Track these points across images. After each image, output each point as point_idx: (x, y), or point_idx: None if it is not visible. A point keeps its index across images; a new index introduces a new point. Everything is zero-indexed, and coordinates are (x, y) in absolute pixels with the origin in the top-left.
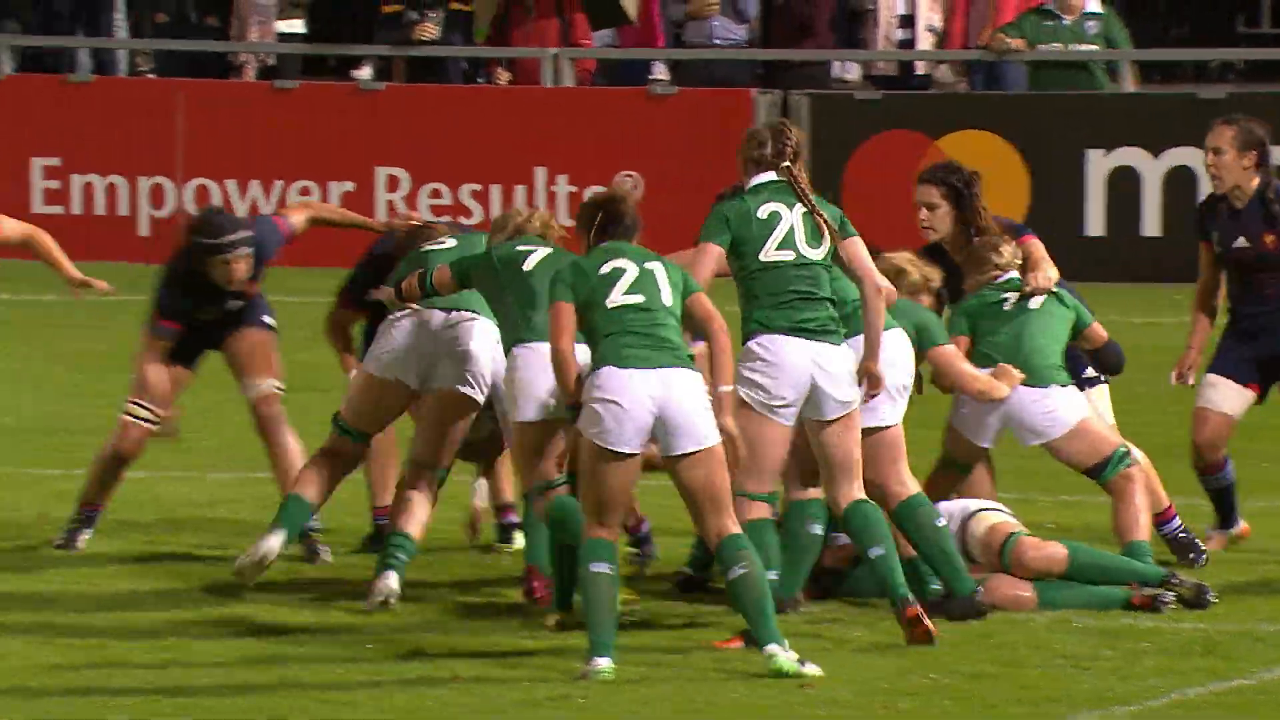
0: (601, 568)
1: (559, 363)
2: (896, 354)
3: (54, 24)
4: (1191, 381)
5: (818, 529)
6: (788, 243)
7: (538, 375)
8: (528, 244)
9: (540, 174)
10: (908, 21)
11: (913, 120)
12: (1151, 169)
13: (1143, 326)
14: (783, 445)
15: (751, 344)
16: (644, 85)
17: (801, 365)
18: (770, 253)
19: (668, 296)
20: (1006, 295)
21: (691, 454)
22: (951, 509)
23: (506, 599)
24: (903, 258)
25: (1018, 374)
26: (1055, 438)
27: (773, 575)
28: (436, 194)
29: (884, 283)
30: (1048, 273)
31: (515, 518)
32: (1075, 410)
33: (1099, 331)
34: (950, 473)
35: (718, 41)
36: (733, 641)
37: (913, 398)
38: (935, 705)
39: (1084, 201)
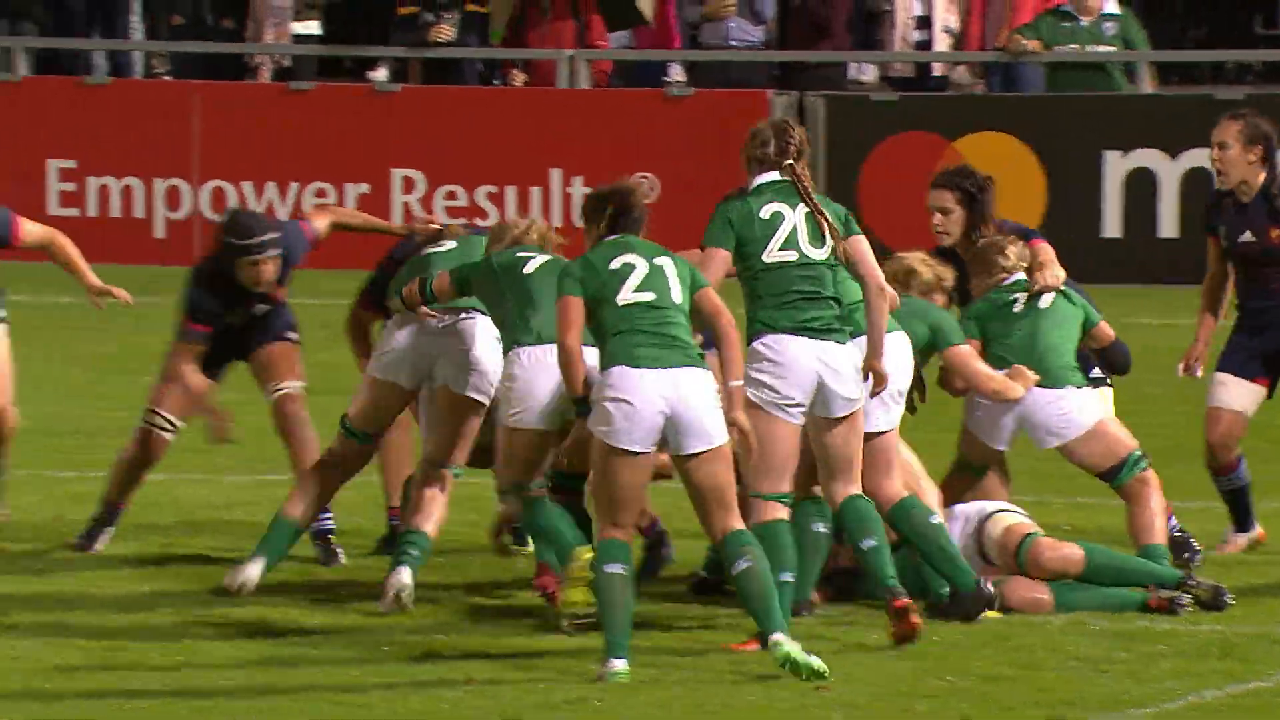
0: (615, 568)
1: (566, 359)
2: (895, 358)
3: (70, 26)
4: (1199, 374)
5: (823, 528)
6: (790, 243)
7: (536, 378)
8: (527, 251)
9: (556, 175)
10: (924, 23)
11: (929, 122)
12: (1169, 170)
13: (1159, 328)
14: (793, 444)
15: (757, 344)
16: (660, 87)
17: (808, 365)
18: (773, 253)
19: (677, 294)
20: (1015, 296)
21: (701, 453)
22: (967, 511)
23: (521, 601)
24: (915, 257)
25: (1032, 375)
26: (1071, 439)
27: (789, 578)
28: (452, 196)
29: (886, 284)
30: (1055, 271)
31: None
32: (1092, 411)
33: (1106, 330)
34: (965, 475)
35: (734, 43)
36: (748, 644)
37: (922, 403)
38: (952, 707)
39: (1101, 203)
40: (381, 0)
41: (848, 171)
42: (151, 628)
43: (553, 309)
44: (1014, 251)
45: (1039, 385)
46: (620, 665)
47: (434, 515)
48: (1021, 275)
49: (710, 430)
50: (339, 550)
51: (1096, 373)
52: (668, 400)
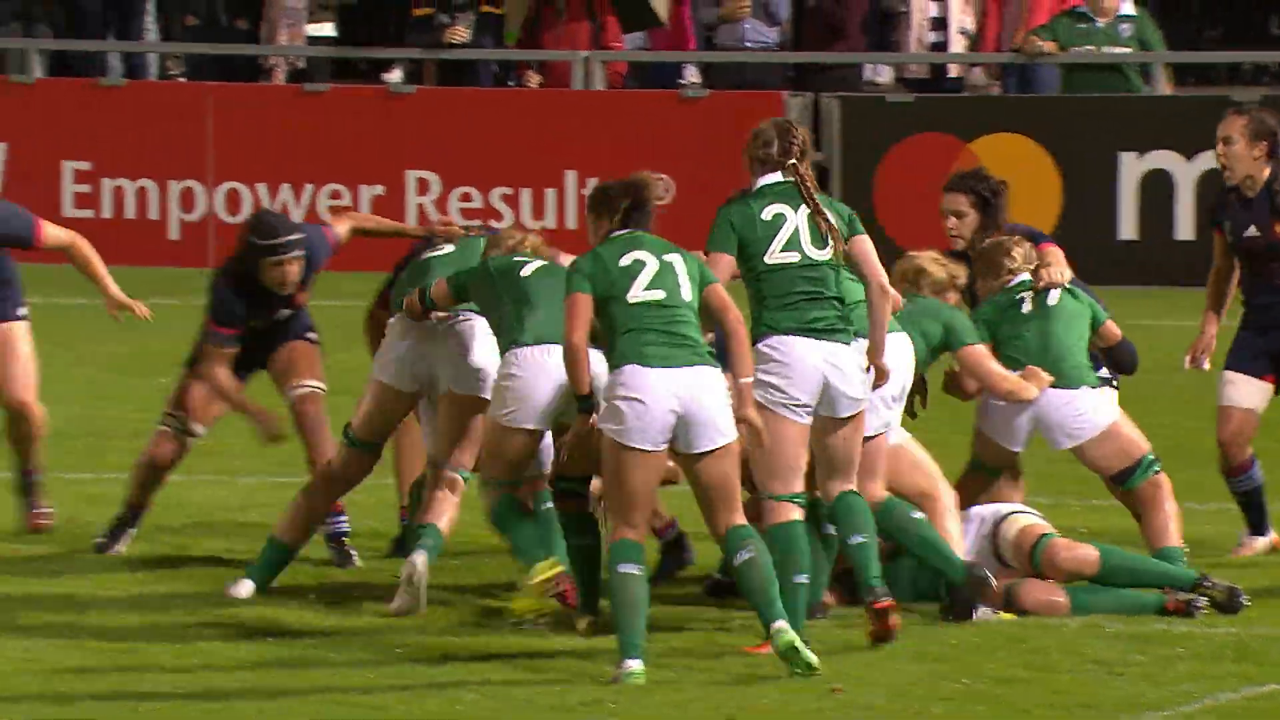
0: (629, 568)
1: (573, 356)
2: (894, 360)
3: (84, 27)
4: (1206, 366)
5: (830, 529)
6: (792, 244)
7: (533, 378)
8: (523, 257)
9: (571, 177)
10: (939, 24)
11: (945, 123)
12: (1185, 172)
13: (1174, 330)
14: (803, 443)
15: (761, 346)
16: (675, 88)
17: (814, 365)
18: (775, 255)
19: (687, 291)
20: (1022, 296)
21: (712, 451)
22: (983, 513)
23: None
24: (926, 256)
25: (1046, 376)
26: (1086, 440)
27: (803, 579)
28: (467, 198)
29: (889, 285)
30: (1061, 269)
31: None
32: (1106, 412)
33: (1113, 329)
34: (979, 476)
35: (749, 44)
36: (763, 646)
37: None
38: (967, 710)
39: (1117, 205)
40: (396, 2)
41: (863, 173)
42: (165, 629)
43: (550, 311)
44: (1020, 253)
45: (1053, 386)
46: (635, 666)
47: (445, 514)
48: (1027, 275)
49: (722, 428)
50: (353, 552)
51: (1104, 373)
52: (679, 399)
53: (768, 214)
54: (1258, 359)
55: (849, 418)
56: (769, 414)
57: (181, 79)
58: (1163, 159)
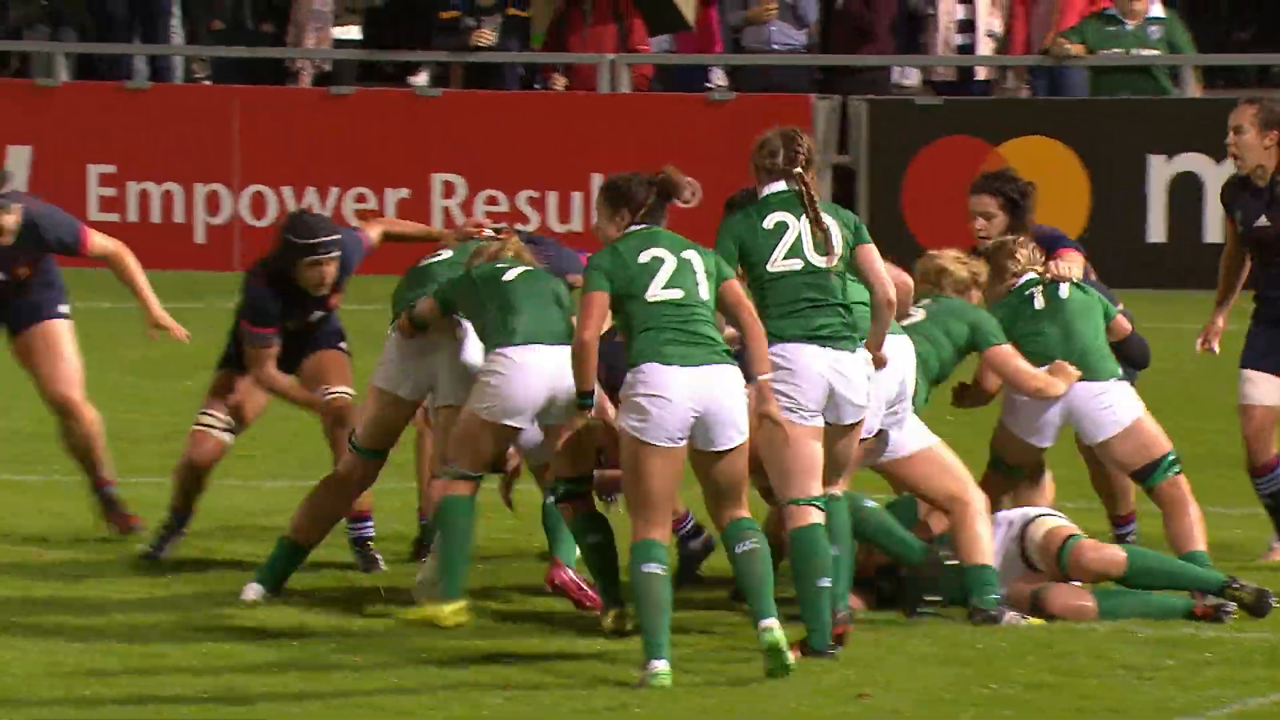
0: (653, 568)
1: (582, 353)
2: (892, 360)
3: (110, 31)
4: (1217, 349)
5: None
6: (795, 251)
7: (515, 376)
8: (505, 263)
9: (597, 180)
10: (967, 26)
11: (973, 126)
12: (1214, 175)
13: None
14: (817, 446)
15: (769, 354)
16: (702, 91)
17: (818, 372)
18: (778, 262)
19: (704, 290)
20: (1031, 293)
21: (728, 450)
22: (1011, 516)
23: (559, 606)
24: (947, 256)
25: (1074, 370)
26: (1114, 434)
27: (827, 583)
28: (493, 200)
29: (894, 297)
30: (1070, 266)
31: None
32: (1131, 407)
33: (1123, 323)
34: (998, 475)
35: (776, 47)
36: (792, 650)
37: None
38: (995, 715)
39: (1146, 208)
40: (423, 5)
41: (891, 176)
42: (188, 632)
43: (533, 313)
44: (1024, 254)
45: (1082, 379)
46: (661, 666)
47: None
48: (1033, 275)
49: (740, 427)
50: (378, 556)
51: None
52: (699, 398)
53: (770, 222)
54: (1272, 354)
55: (851, 425)
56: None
57: (207, 82)
58: (1192, 161)
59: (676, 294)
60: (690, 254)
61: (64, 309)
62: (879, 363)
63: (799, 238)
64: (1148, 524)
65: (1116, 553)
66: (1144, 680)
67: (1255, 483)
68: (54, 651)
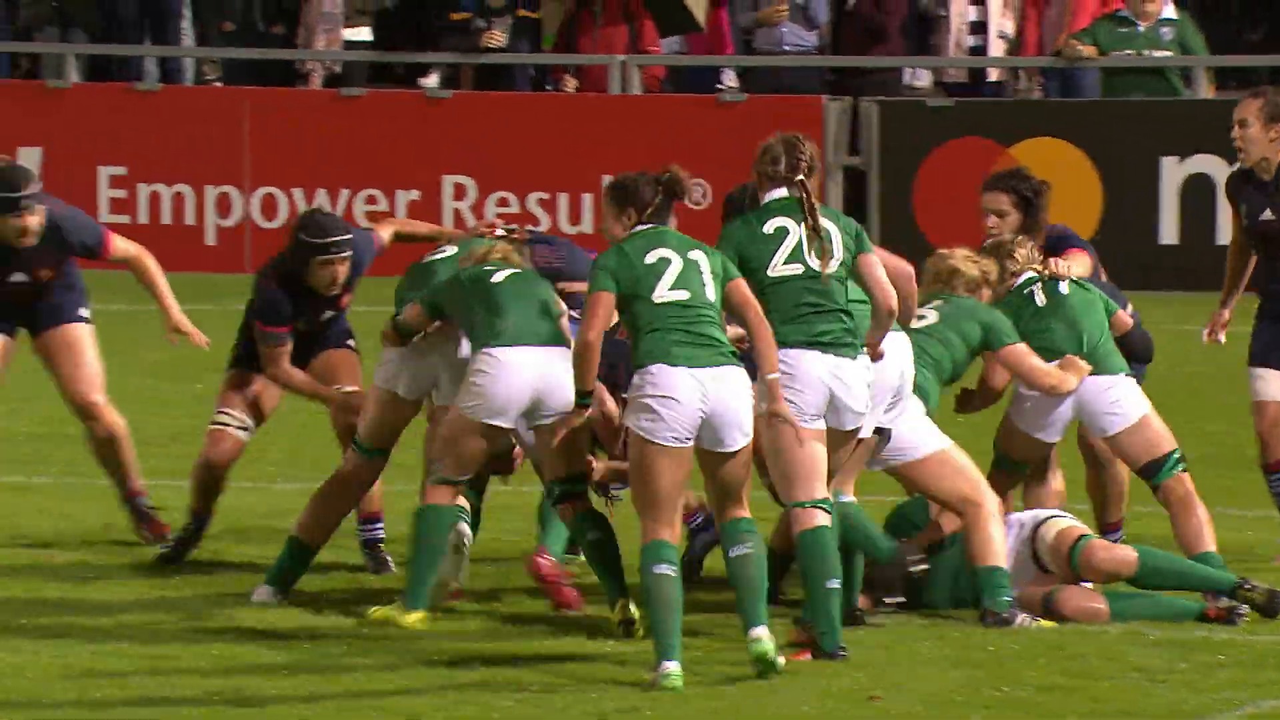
0: (663, 569)
1: (585, 353)
2: (891, 359)
3: (120, 32)
4: (1223, 339)
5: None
6: (795, 256)
7: (501, 376)
8: (493, 265)
9: (607, 182)
10: (979, 28)
11: (984, 127)
12: (1226, 176)
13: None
14: (820, 447)
15: None
16: (713, 92)
17: (819, 378)
18: (778, 267)
19: (710, 291)
20: (1031, 290)
21: (735, 451)
22: (1023, 517)
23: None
24: (958, 255)
25: (1084, 365)
26: (1121, 430)
27: (835, 584)
28: (503, 202)
29: (895, 307)
30: (1070, 264)
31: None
32: (1139, 403)
33: (1124, 318)
34: (1001, 473)
35: (787, 48)
36: (801, 654)
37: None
38: (1007, 718)
39: (1158, 209)
40: (433, 6)
41: (902, 177)
42: (199, 634)
43: (520, 314)
44: (1022, 253)
45: (1093, 374)
46: (673, 667)
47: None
48: (1031, 273)
49: (745, 428)
50: (389, 558)
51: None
52: (706, 399)
53: (770, 227)
54: (1277, 349)
55: (850, 431)
56: (782, 425)
57: (217, 84)
58: (1204, 163)
59: (683, 295)
60: (697, 254)
61: (85, 312)
62: (875, 356)
63: (799, 243)
64: (1147, 524)
65: (1128, 553)
66: (1156, 683)
67: (1269, 479)
68: (65, 654)
